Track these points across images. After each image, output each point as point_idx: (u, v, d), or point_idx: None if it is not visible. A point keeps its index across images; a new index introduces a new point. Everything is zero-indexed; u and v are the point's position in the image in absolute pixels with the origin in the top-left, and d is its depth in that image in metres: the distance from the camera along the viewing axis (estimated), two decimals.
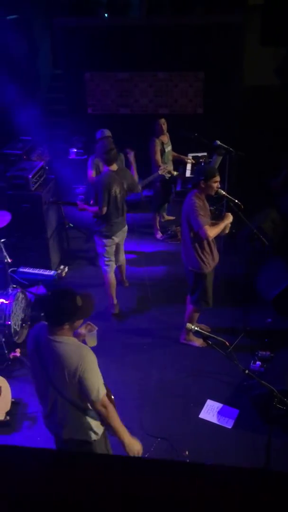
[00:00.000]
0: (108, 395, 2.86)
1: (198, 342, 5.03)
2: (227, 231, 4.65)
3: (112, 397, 2.99)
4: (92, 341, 2.90)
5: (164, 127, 6.61)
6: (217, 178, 4.50)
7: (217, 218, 6.14)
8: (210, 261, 4.63)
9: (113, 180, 5.04)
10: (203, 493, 0.91)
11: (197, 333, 3.46)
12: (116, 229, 5.30)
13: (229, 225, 4.60)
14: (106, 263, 5.40)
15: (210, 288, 4.79)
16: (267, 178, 7.29)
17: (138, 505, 0.89)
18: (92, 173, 5.91)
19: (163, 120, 6.62)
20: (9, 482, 0.94)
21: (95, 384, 2.71)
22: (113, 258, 5.44)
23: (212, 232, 4.43)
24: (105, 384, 2.83)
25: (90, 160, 5.97)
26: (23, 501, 0.91)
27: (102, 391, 2.75)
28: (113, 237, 5.28)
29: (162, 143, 6.66)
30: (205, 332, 3.42)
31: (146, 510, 0.89)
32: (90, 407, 2.80)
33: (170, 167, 6.84)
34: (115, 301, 5.59)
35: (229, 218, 4.56)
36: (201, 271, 4.63)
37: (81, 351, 2.73)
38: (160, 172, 6.38)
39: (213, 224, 4.56)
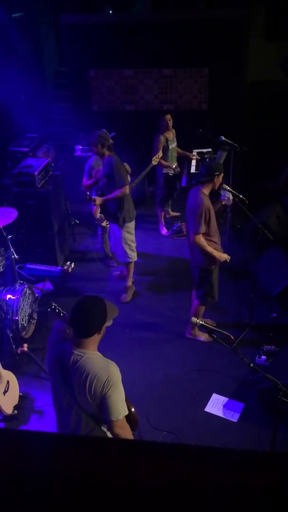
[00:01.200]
0: (129, 408, 2.74)
1: (203, 337, 5.06)
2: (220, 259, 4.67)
3: (133, 409, 2.88)
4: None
5: (170, 123, 6.63)
6: (222, 174, 4.56)
7: (221, 214, 6.20)
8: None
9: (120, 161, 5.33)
10: (204, 474, 0.94)
11: (202, 327, 3.49)
12: (134, 210, 5.56)
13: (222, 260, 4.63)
14: (133, 248, 5.62)
15: (216, 283, 4.82)
16: (266, 183, 7.31)
17: (142, 487, 0.92)
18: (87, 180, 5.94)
19: (169, 116, 6.64)
20: (17, 464, 0.98)
21: (118, 404, 2.59)
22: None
23: (201, 244, 4.47)
24: (127, 398, 2.71)
25: (87, 166, 5.92)
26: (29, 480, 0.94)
27: (124, 412, 2.61)
28: (133, 220, 5.52)
29: (167, 140, 6.68)
30: (211, 326, 3.45)
31: (149, 491, 0.92)
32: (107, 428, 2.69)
33: (174, 163, 6.86)
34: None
35: (222, 258, 4.58)
36: (206, 267, 4.66)
37: (109, 367, 2.63)
38: (153, 162, 6.38)
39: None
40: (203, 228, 4.44)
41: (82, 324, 2.63)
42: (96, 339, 2.67)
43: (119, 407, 2.58)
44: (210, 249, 4.52)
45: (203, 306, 4.97)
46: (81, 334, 2.63)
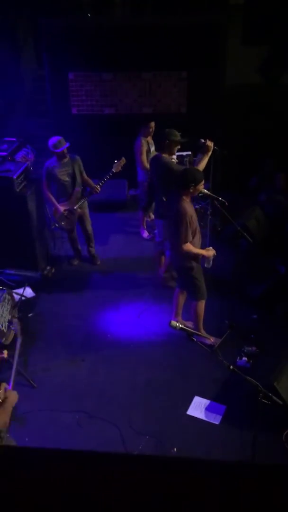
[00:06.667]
0: None
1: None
2: (209, 265, 4.73)
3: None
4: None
5: (152, 131, 6.67)
6: (203, 181, 4.57)
7: (202, 217, 6.22)
8: None
9: None
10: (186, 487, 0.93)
11: (181, 330, 3.49)
12: None
13: (212, 258, 4.68)
14: None
15: (201, 279, 4.82)
16: (248, 179, 7.38)
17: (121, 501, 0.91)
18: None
19: (153, 124, 6.68)
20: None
21: None
22: None
23: (190, 250, 4.53)
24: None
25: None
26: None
27: None
28: None
29: (148, 143, 6.70)
30: (190, 330, 3.46)
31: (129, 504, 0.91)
32: None
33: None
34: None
35: (210, 252, 4.64)
36: (184, 265, 4.69)
37: None
38: (114, 170, 6.16)
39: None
40: (190, 237, 4.50)
41: None
42: None
43: None
44: (198, 251, 4.60)
45: (200, 305, 4.95)
46: None
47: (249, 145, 7.68)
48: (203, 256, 4.64)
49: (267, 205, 6.54)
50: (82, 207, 6.24)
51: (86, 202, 6.28)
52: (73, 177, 6.04)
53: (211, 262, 4.71)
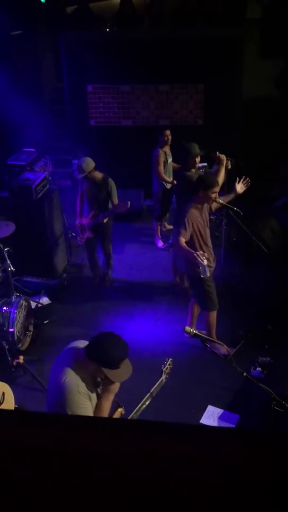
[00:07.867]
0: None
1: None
2: (205, 275, 4.50)
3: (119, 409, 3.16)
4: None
5: (169, 139, 6.72)
6: (216, 189, 4.57)
7: (217, 227, 6.24)
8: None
9: None
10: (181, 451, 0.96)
11: (195, 337, 3.52)
12: None
13: (206, 267, 4.43)
14: None
15: (212, 291, 4.80)
16: (265, 189, 7.38)
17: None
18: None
19: (168, 132, 6.73)
20: None
21: None
22: None
23: (180, 242, 4.43)
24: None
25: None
26: None
27: None
28: None
29: (165, 154, 6.78)
30: (204, 336, 3.48)
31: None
32: None
33: (171, 177, 6.93)
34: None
35: (201, 257, 4.35)
36: (194, 275, 4.68)
37: None
38: (118, 209, 5.65)
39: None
40: (183, 232, 4.46)
41: None
42: None
43: None
44: (188, 249, 4.40)
45: (212, 315, 4.93)
46: None
47: (266, 157, 7.71)
48: (195, 261, 4.34)
49: (281, 213, 6.54)
50: (99, 229, 5.99)
51: (110, 222, 5.99)
52: (95, 197, 5.83)
53: (206, 270, 4.41)
